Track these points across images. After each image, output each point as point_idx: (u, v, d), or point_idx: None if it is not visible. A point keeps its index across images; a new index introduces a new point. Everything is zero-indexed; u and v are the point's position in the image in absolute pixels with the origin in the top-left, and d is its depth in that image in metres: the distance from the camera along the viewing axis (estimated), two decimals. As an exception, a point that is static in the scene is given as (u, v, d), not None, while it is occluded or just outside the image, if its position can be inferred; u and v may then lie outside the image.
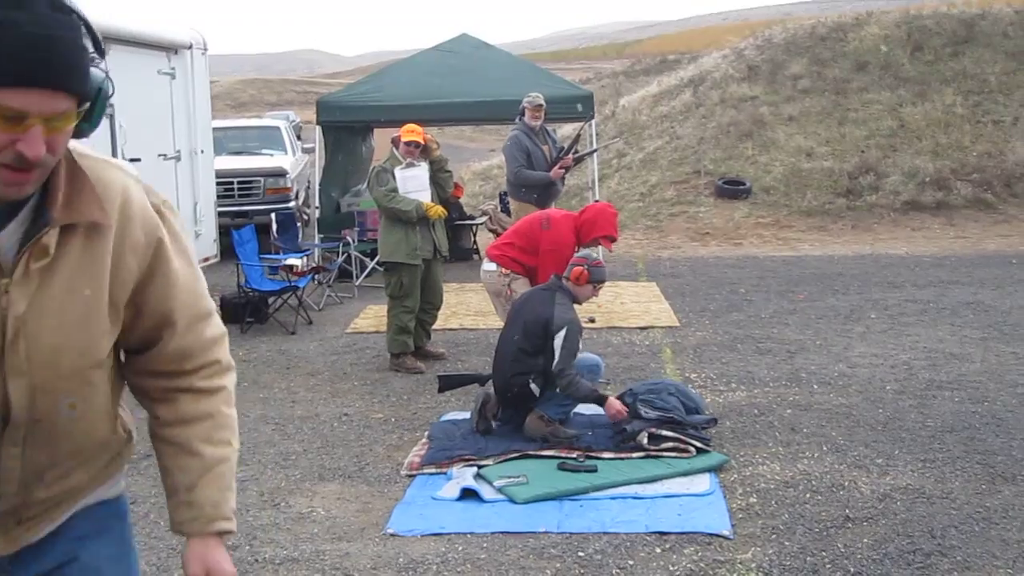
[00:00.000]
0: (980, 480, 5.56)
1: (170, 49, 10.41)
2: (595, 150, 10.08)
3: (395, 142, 8.52)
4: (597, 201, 10.12)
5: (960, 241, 14.96)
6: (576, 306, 6.53)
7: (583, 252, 6.83)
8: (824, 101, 19.68)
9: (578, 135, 9.78)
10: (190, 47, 10.83)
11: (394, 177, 8.28)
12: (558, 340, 6.20)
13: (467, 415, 6.66)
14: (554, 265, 6.95)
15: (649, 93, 23.97)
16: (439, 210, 8.36)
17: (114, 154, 9.17)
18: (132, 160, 9.38)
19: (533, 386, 6.31)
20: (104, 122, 8.33)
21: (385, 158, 8.62)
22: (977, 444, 6.14)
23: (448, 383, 7.05)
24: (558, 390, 6.26)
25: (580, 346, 6.38)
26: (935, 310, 10.13)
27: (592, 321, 9.80)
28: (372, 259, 12.15)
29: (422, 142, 8.43)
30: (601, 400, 6.26)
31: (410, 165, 8.36)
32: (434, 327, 9.05)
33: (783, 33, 23.25)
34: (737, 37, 27.08)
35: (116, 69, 8.19)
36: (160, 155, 10.15)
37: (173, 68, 10.44)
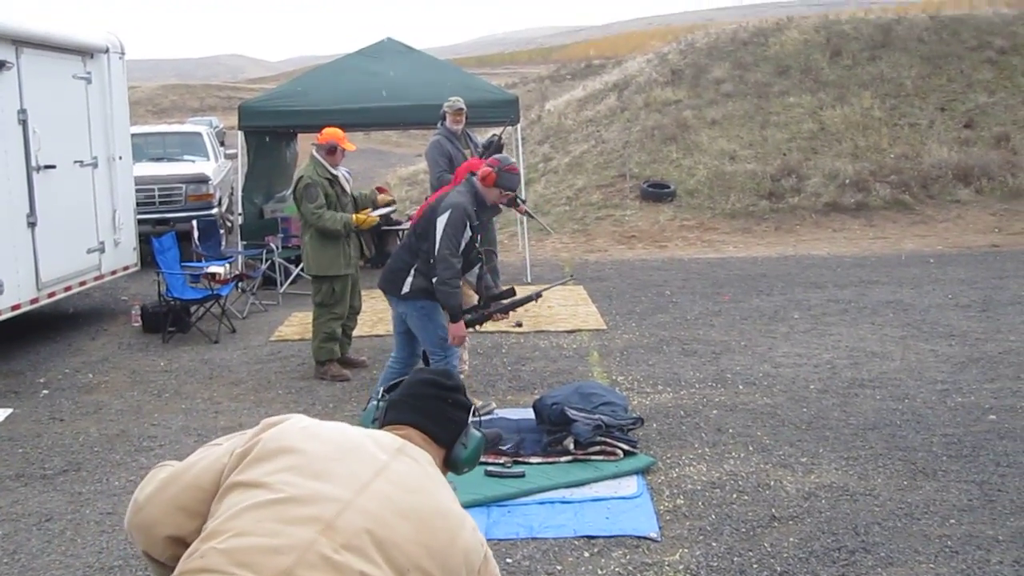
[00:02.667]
0: (902, 476, 5.64)
1: (85, 53, 10.18)
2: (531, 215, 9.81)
3: (332, 150, 8.10)
4: (522, 203, 10.11)
5: (880, 241, 15.24)
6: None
7: (501, 155, 6.68)
8: (746, 105, 19.94)
9: (500, 138, 9.72)
10: (107, 51, 10.60)
11: (325, 189, 8.01)
12: (440, 222, 6.10)
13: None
14: None
15: (574, 97, 24.08)
16: (371, 219, 8.23)
17: (28, 161, 8.94)
18: (47, 167, 9.17)
19: (411, 277, 6.26)
20: (17, 129, 8.19)
21: (308, 166, 8.21)
22: (899, 441, 6.24)
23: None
24: (433, 281, 6.16)
25: (466, 239, 6.20)
26: (856, 309, 10.29)
27: (519, 325, 9.79)
28: (296, 266, 12.00)
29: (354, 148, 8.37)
30: (456, 317, 6.18)
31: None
32: (359, 334, 8.98)
33: (706, 38, 23.55)
34: (661, 42, 27.42)
35: (29, 74, 8.08)
36: (76, 162, 9.91)
37: (89, 72, 10.21)
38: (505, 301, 6.69)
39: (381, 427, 2.42)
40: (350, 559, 1.96)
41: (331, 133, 8.26)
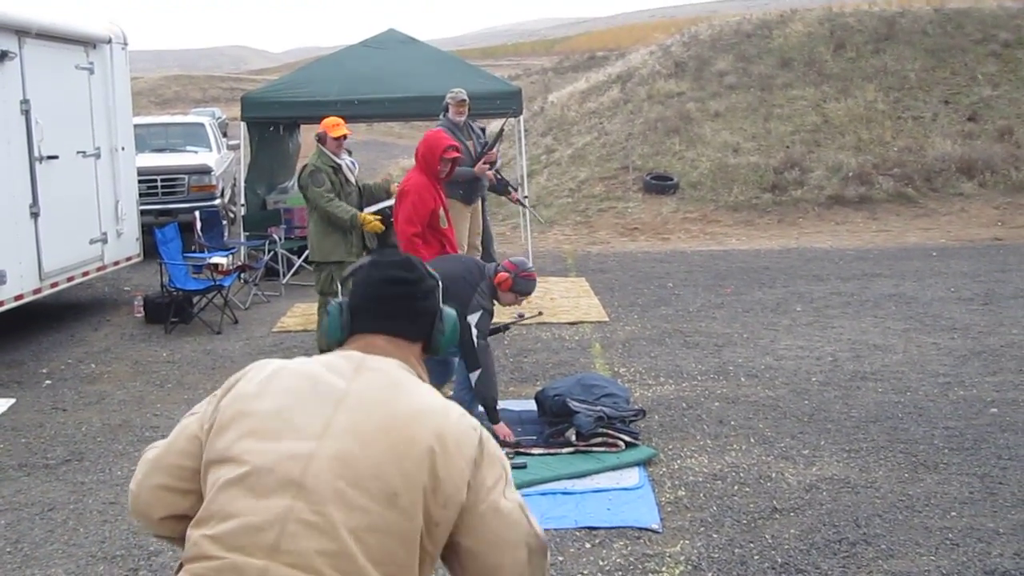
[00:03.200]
0: (903, 469, 5.65)
1: (88, 43, 10.17)
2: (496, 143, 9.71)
3: (321, 139, 8.29)
4: (514, 190, 10.19)
5: (882, 235, 15.23)
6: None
7: (518, 259, 6.72)
8: (750, 97, 19.91)
9: (502, 130, 9.72)
10: (109, 41, 10.59)
11: (330, 177, 8.11)
12: (471, 320, 6.12)
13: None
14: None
15: (578, 89, 24.04)
16: (377, 225, 8.18)
17: (30, 152, 8.94)
18: (50, 157, 9.17)
19: None
20: (19, 119, 8.18)
21: (314, 155, 8.33)
22: (900, 433, 6.24)
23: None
24: (470, 374, 6.18)
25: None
26: (859, 302, 10.29)
27: (521, 317, 9.78)
28: (299, 257, 12.00)
29: (349, 133, 8.41)
30: (494, 417, 6.14)
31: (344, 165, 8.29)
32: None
33: (709, 30, 23.49)
34: (664, 34, 27.32)
35: (32, 64, 8.06)
36: (79, 152, 9.91)
37: (91, 63, 10.20)
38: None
39: (350, 335, 2.26)
40: (331, 513, 1.91)
41: (325, 122, 8.36)
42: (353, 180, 8.41)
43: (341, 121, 8.42)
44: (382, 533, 1.93)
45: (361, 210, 8.34)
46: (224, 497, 1.97)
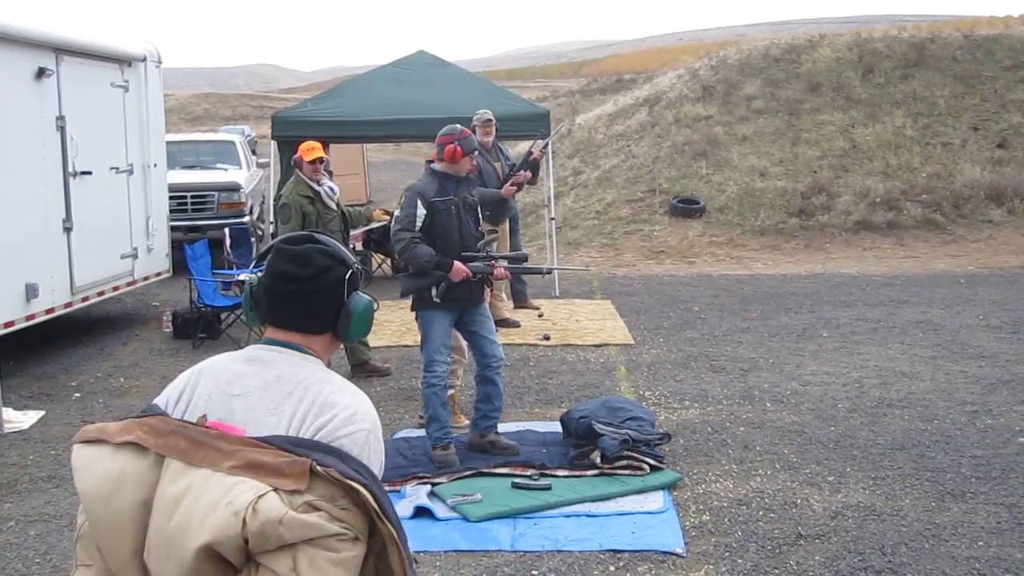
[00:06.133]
0: (930, 497, 5.62)
1: (123, 61, 10.31)
2: (546, 142, 9.59)
3: (298, 164, 8.17)
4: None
5: (910, 261, 15.15)
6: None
7: (448, 128, 6.65)
8: (777, 121, 19.90)
9: (530, 152, 9.75)
10: (144, 60, 10.73)
11: (303, 208, 7.91)
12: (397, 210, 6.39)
13: (421, 433, 6.63)
14: None
15: (605, 112, 24.12)
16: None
17: (65, 167, 9.06)
18: (83, 173, 9.29)
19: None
20: (55, 135, 8.27)
21: (289, 184, 8.24)
22: (927, 461, 6.21)
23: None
24: (396, 251, 6.39)
25: (421, 217, 6.22)
26: (886, 329, 10.24)
27: (547, 338, 9.81)
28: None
29: (326, 157, 8.26)
30: (443, 265, 6.17)
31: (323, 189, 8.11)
32: (388, 344, 9.02)
33: (737, 54, 23.53)
34: (692, 57, 27.37)
35: (68, 81, 8.17)
36: (112, 168, 10.03)
37: (126, 81, 10.34)
38: (514, 265, 6.80)
39: (262, 323, 2.30)
40: None
41: (301, 147, 8.25)
42: (334, 205, 8.18)
43: (317, 144, 8.28)
44: None
45: (346, 234, 8.26)
46: None
